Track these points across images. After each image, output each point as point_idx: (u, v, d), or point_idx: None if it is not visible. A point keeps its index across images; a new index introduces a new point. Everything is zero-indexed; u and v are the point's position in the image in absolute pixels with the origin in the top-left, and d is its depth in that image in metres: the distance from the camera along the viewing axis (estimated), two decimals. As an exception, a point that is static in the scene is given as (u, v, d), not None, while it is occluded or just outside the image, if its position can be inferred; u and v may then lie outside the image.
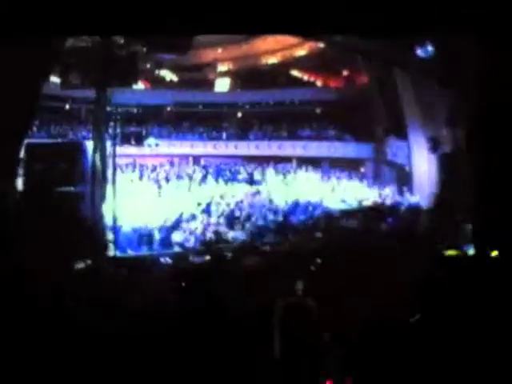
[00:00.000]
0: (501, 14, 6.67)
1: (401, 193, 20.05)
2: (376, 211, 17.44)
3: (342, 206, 18.13)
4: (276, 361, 6.16)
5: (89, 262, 11.29)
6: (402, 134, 20.64)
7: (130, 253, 13.44)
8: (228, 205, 16.69)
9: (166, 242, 13.84)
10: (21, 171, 12.84)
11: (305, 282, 6.71)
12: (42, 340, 4.66)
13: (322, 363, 6.10)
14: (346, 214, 16.99)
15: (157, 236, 13.90)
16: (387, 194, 19.98)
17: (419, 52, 14.57)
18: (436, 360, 4.32)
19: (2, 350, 4.42)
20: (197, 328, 5.41)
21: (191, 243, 13.85)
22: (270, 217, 16.05)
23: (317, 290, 6.85)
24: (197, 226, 14.51)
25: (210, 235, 14.12)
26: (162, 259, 12.23)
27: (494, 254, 6.36)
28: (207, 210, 16.05)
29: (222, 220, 15.22)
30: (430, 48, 14.31)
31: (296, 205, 17.57)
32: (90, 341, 4.83)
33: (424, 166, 19.30)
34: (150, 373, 4.75)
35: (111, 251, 13.02)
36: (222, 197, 17.63)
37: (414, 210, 17.78)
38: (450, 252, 8.24)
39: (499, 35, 7.02)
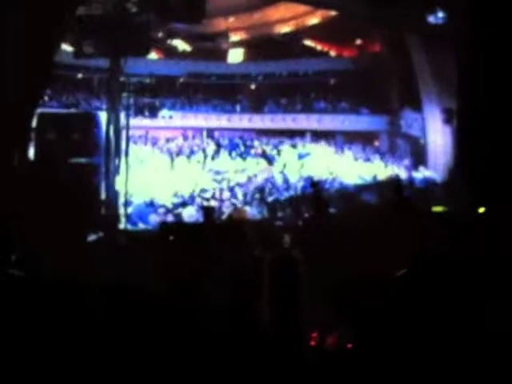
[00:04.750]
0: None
1: (415, 166, 19.79)
2: (391, 186, 17.21)
3: (357, 181, 17.94)
4: (263, 311, 6.17)
5: (100, 234, 11.21)
6: (417, 106, 20.34)
7: (141, 226, 13.35)
8: (242, 180, 16.54)
9: (178, 217, 13.72)
10: (33, 141, 12.70)
11: (292, 236, 6.77)
12: (50, 311, 4.55)
13: (309, 315, 6.11)
14: (361, 188, 16.80)
15: (168, 210, 13.79)
16: (402, 168, 19.75)
17: (431, 19, 14.34)
18: (423, 316, 4.19)
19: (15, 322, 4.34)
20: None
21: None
22: (284, 192, 15.90)
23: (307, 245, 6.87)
24: (211, 201, 14.40)
25: (224, 210, 14.00)
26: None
27: (481, 210, 6.52)
28: (221, 185, 15.91)
29: (236, 195, 15.10)
30: (440, 14, 14.09)
31: (310, 180, 17.37)
32: (99, 315, 4.70)
33: (439, 138, 19.02)
34: (160, 344, 4.61)
35: (122, 224, 12.93)
36: (235, 171, 17.47)
37: (429, 183, 17.57)
38: (437, 208, 8.27)
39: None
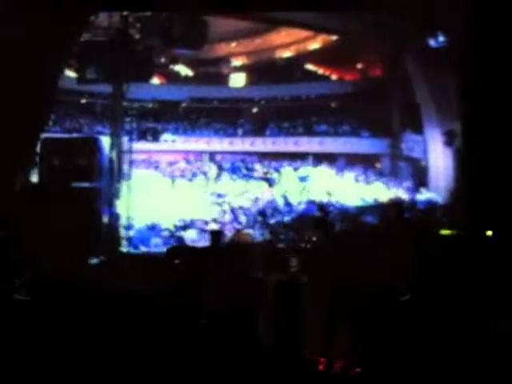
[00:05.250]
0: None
1: (417, 189, 19.81)
2: (393, 208, 17.21)
3: (359, 203, 17.96)
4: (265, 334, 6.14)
5: (102, 258, 11.23)
6: (418, 128, 20.42)
7: (143, 249, 13.38)
8: (244, 202, 16.58)
9: (180, 240, 13.75)
10: (37, 165, 12.80)
11: (296, 258, 6.74)
12: (54, 333, 4.60)
13: (316, 340, 6.09)
14: (363, 210, 16.81)
15: (171, 233, 13.83)
16: (403, 190, 19.77)
17: (431, 42, 14.41)
18: (426, 338, 4.20)
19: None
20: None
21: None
22: (286, 214, 15.92)
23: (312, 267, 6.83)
24: (212, 224, 14.44)
25: (227, 233, 14.01)
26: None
27: (488, 233, 6.58)
28: (223, 209, 15.94)
29: (238, 218, 15.13)
30: (441, 38, 14.15)
31: (318, 203, 17.40)
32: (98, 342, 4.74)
33: (440, 160, 19.06)
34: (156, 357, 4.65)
35: (124, 248, 12.97)
36: (237, 194, 17.51)
37: (431, 205, 17.55)
38: (445, 231, 8.24)
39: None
